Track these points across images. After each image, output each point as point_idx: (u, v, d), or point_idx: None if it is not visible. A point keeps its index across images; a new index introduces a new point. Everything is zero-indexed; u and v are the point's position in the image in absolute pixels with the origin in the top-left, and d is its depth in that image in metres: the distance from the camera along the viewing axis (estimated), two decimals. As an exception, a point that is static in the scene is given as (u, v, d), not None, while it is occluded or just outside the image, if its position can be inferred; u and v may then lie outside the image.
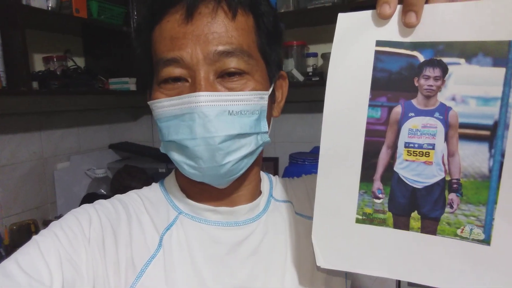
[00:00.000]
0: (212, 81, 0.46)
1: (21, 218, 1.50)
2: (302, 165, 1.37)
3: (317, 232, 0.43)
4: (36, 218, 1.54)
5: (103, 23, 1.60)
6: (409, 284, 1.35)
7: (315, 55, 1.70)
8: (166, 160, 1.82)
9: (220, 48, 0.46)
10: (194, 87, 0.46)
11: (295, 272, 0.53)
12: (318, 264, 0.43)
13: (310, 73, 1.64)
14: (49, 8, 1.38)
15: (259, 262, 0.52)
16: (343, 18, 0.39)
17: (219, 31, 0.46)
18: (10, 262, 0.43)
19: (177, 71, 0.47)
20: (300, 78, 1.61)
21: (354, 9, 1.71)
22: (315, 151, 1.56)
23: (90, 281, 0.46)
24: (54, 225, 0.48)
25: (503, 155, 0.35)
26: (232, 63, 0.46)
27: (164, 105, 0.48)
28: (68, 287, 0.43)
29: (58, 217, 1.60)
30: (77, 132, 1.77)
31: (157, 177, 1.82)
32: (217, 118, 0.45)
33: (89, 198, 1.59)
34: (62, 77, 1.50)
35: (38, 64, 1.60)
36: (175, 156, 0.49)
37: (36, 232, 1.43)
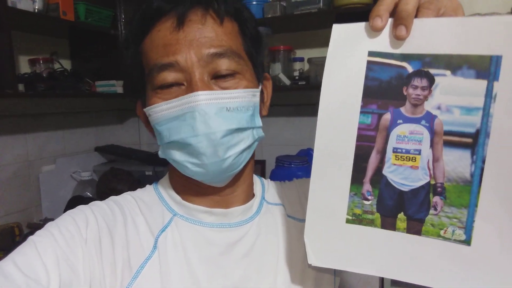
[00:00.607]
0: (207, 81, 0.48)
1: (5, 221, 1.47)
2: (288, 167, 1.38)
3: (309, 231, 0.45)
4: (20, 221, 1.51)
5: (91, 26, 1.59)
6: (392, 283, 1.39)
7: (301, 59, 1.72)
8: (153, 162, 1.82)
9: (213, 50, 0.48)
10: (191, 88, 0.48)
11: (287, 273, 0.55)
12: (309, 262, 0.45)
13: (297, 77, 1.67)
14: (36, 10, 1.37)
15: (252, 263, 0.54)
16: (337, 29, 0.41)
17: (210, 35, 0.48)
18: (7, 262, 0.44)
19: (172, 76, 0.48)
20: (287, 82, 1.63)
21: (339, 16, 1.73)
22: (302, 153, 1.58)
23: (87, 281, 0.46)
24: (51, 225, 0.49)
25: (484, 162, 0.38)
26: (224, 65, 0.49)
27: (163, 109, 0.49)
28: (65, 287, 0.44)
29: (43, 220, 1.58)
30: (62, 134, 1.75)
31: (143, 180, 1.81)
32: (217, 115, 0.47)
33: (75, 201, 1.57)
34: (48, 79, 1.48)
35: (24, 66, 1.57)
36: (177, 156, 0.50)
37: (20, 235, 1.40)
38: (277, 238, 0.57)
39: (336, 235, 0.44)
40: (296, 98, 1.79)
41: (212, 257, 0.53)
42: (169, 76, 0.49)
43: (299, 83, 1.63)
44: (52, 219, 1.70)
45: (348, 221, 0.43)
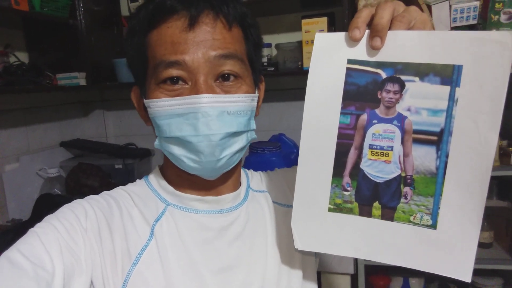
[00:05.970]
0: (211, 84, 0.51)
1: (-32, 225, 1.42)
2: (262, 154, 1.37)
3: (295, 219, 0.50)
4: (-15, 224, 1.45)
5: (47, 16, 1.51)
6: (366, 260, 1.48)
7: (269, 45, 1.72)
8: (122, 155, 1.78)
9: (220, 52, 0.51)
10: (195, 90, 0.50)
11: (277, 252, 0.60)
12: (296, 247, 0.50)
13: (265, 63, 1.67)
14: (-14, 0, 1.28)
15: (244, 245, 0.58)
16: (320, 37, 0.45)
17: (218, 38, 0.51)
18: (13, 251, 0.45)
19: (177, 73, 0.51)
20: (256, 69, 1.64)
21: (305, 1, 1.71)
22: (274, 139, 1.61)
23: (89, 268, 0.49)
24: (50, 218, 0.50)
25: (447, 156, 0.44)
26: (229, 66, 0.51)
27: (165, 104, 0.51)
28: (68, 274, 0.46)
29: (10, 221, 1.52)
30: (25, 131, 1.67)
31: (114, 174, 1.78)
32: (218, 118, 0.50)
33: (44, 199, 1.52)
34: (5, 74, 1.40)
35: (-25, 60, 1.47)
36: (175, 150, 0.53)
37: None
38: (264, 222, 0.61)
39: (320, 222, 0.49)
40: (264, 84, 1.80)
41: (206, 240, 0.56)
42: (175, 72, 0.50)
43: (268, 69, 1.64)
44: (20, 220, 1.63)
45: (330, 209, 0.48)
